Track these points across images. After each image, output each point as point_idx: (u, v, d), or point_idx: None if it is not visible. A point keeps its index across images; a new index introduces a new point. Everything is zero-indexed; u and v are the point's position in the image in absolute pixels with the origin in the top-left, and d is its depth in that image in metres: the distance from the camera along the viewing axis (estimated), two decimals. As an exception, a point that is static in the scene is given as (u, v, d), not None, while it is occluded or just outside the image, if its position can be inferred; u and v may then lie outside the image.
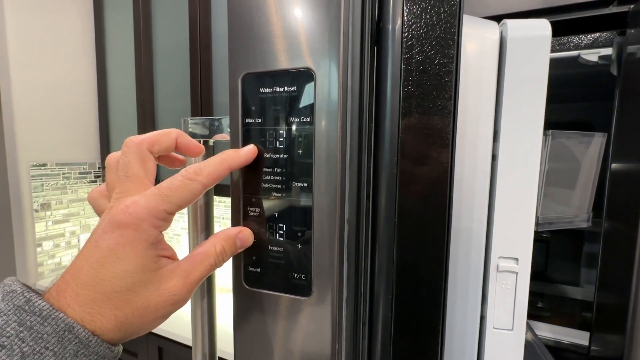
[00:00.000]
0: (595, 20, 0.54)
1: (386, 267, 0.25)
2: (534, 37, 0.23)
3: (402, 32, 0.23)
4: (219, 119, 0.32)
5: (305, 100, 0.24)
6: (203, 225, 0.32)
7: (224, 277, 1.24)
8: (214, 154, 0.27)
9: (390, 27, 0.23)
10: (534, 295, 1.05)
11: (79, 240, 1.40)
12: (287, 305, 0.26)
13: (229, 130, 0.27)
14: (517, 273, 0.25)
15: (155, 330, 0.98)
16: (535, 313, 1.04)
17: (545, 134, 0.45)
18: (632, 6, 0.50)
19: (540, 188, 0.47)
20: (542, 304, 1.07)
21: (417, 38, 0.23)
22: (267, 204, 0.26)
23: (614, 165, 0.54)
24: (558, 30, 0.60)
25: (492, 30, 0.24)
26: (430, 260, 0.24)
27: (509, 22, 0.24)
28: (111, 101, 1.44)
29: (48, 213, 1.30)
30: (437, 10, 0.22)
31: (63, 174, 1.35)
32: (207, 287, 0.35)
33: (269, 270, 0.27)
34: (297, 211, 0.25)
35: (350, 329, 0.26)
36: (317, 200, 0.25)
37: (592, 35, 0.55)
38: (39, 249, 1.28)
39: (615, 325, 0.51)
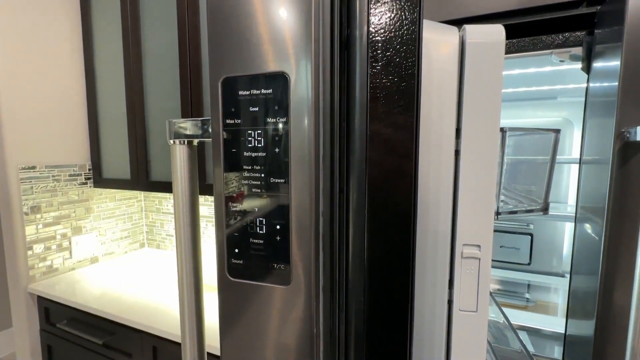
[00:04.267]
0: (566, 21, 0.57)
1: (359, 256, 0.27)
2: (490, 42, 0.25)
3: (368, 39, 0.25)
4: (205, 120, 0.33)
5: (280, 102, 0.26)
6: (188, 222, 0.33)
7: (212, 275, 1.26)
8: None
9: (357, 34, 0.25)
10: (519, 286, 1.08)
11: (70, 243, 1.40)
12: (268, 293, 0.28)
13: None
14: (479, 259, 0.27)
15: (149, 330, 0.99)
16: (521, 304, 1.07)
17: (502, 131, 0.47)
18: (599, 7, 0.53)
19: (500, 180, 0.49)
20: (529, 295, 1.11)
21: (381, 44, 0.25)
22: (247, 199, 0.28)
23: (584, 159, 0.57)
24: (532, 30, 0.62)
25: (452, 35, 0.26)
26: (399, 248, 0.26)
27: (468, 28, 0.26)
28: (100, 102, 1.44)
29: (38, 216, 1.30)
30: (400, 18, 0.24)
31: (53, 176, 1.34)
32: (195, 284, 0.36)
33: (251, 262, 0.28)
34: (275, 205, 0.27)
35: (327, 314, 0.28)
36: (294, 195, 0.26)
37: (564, 35, 0.58)
38: (29, 252, 1.28)
39: (586, 310, 0.53)
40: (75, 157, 1.43)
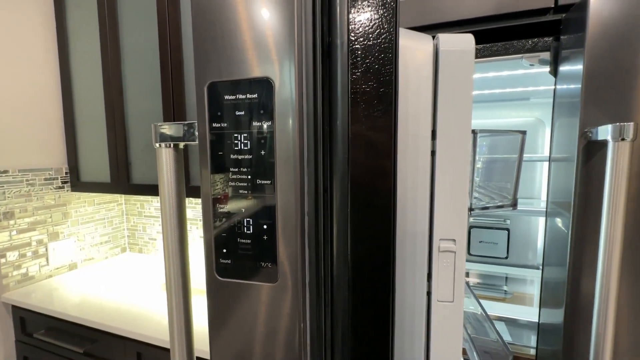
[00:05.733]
0: (535, 28, 0.60)
1: (343, 253, 0.29)
2: (461, 50, 0.27)
3: (348, 47, 0.26)
4: (190, 123, 0.34)
5: (265, 106, 0.27)
6: (175, 225, 0.33)
7: (199, 279, 1.24)
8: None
9: (338, 41, 0.26)
10: (497, 279, 1.13)
11: (46, 249, 1.35)
12: (256, 291, 0.29)
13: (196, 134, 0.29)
14: (455, 252, 0.29)
15: (132, 335, 0.97)
16: (499, 296, 1.12)
17: (473, 132, 0.50)
18: (564, 15, 0.56)
19: (472, 178, 0.53)
20: (507, 287, 1.16)
21: (361, 51, 0.26)
22: (234, 201, 0.28)
23: (553, 157, 0.61)
24: (504, 36, 0.66)
25: (427, 43, 0.28)
26: (381, 244, 0.27)
27: (441, 36, 0.28)
28: (77, 103, 1.39)
29: (12, 222, 1.24)
30: (378, 27, 0.26)
31: (27, 180, 1.29)
32: (183, 287, 0.36)
33: (239, 261, 0.29)
34: (262, 206, 0.28)
35: (314, 310, 0.29)
36: (279, 196, 0.27)
37: (533, 41, 0.61)
38: (2, 260, 1.22)
39: (557, 300, 0.57)
40: (51, 160, 1.38)
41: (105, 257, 1.58)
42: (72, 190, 1.42)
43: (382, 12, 0.25)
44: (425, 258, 0.30)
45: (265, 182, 0.28)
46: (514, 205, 0.55)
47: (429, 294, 0.30)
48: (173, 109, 1.21)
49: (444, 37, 0.27)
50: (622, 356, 0.48)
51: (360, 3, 0.26)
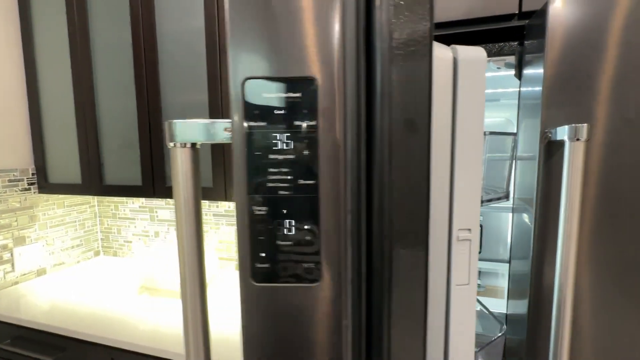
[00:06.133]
0: (501, 32, 0.63)
1: (381, 249, 0.29)
2: (476, 59, 0.30)
3: (390, 52, 0.27)
4: (212, 122, 0.31)
5: (309, 105, 0.26)
6: (193, 232, 0.31)
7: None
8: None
9: (378, 45, 0.27)
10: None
11: (12, 255, 1.28)
12: (297, 293, 0.28)
13: (226, 133, 0.28)
14: (470, 240, 0.32)
15: (105, 341, 0.94)
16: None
17: (485, 134, 0.53)
18: (527, 21, 0.59)
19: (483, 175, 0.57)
20: (480, 281, 1.20)
21: (402, 57, 0.27)
22: (273, 202, 0.27)
23: (519, 155, 0.64)
24: (473, 40, 0.69)
25: (446, 52, 0.30)
26: (417, 242, 0.28)
27: (458, 47, 0.30)
28: (44, 99, 1.32)
29: (-28, 226, 1.17)
30: (416, 32, 0.26)
31: (-11, 182, 1.22)
32: (201, 296, 0.33)
33: (278, 265, 0.28)
34: (304, 207, 0.27)
35: (356, 308, 0.29)
36: (322, 195, 0.27)
37: (499, 45, 0.64)
38: (-38, 267, 1.15)
39: (522, 291, 0.60)
40: (15, 160, 1.31)
41: (77, 262, 1.52)
42: (40, 192, 1.35)
43: (419, 16, 0.26)
44: (445, 247, 0.31)
45: (308, 182, 0.27)
46: (507, 196, 0.60)
47: (448, 280, 0.32)
48: (148, 109, 1.18)
49: (461, 48, 0.29)
50: (585, 343, 0.52)
51: (403, 12, 0.26)
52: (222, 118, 1.11)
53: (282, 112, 0.27)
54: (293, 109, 0.27)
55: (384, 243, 0.29)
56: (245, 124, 0.27)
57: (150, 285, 1.23)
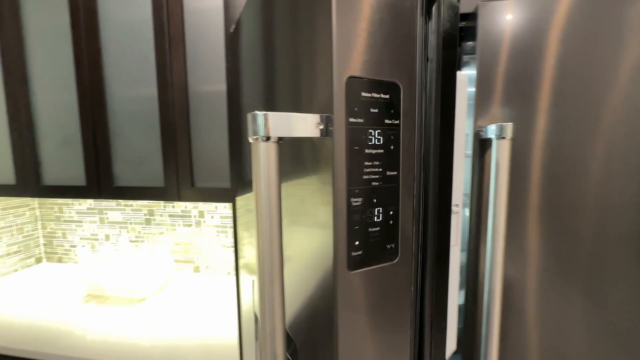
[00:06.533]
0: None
1: (434, 228, 0.38)
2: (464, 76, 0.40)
3: (441, 67, 0.36)
4: (304, 117, 0.30)
5: (395, 106, 0.31)
6: (276, 234, 0.30)
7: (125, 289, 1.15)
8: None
9: (434, 57, 0.36)
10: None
11: None
12: (381, 272, 0.33)
13: (330, 128, 0.30)
14: (458, 212, 0.46)
15: (45, 358, 0.87)
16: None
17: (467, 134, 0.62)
18: (463, 23, 0.62)
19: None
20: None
21: (442, 67, 0.36)
22: (368, 192, 0.31)
23: (466, 153, 0.67)
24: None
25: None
26: (446, 218, 0.40)
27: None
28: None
29: None
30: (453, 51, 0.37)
31: None
32: (280, 301, 0.31)
33: (369, 250, 0.32)
34: (389, 195, 0.32)
35: (420, 276, 0.38)
36: (402, 184, 0.33)
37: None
38: None
39: (461, 282, 0.63)
40: None
41: (14, 270, 1.39)
42: (-34, 195, 1.22)
43: (451, 35, 0.37)
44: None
45: (393, 173, 0.32)
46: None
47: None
48: (91, 102, 1.10)
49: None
50: (532, 327, 0.55)
51: (442, 30, 0.35)
52: (174, 113, 1.05)
53: (376, 110, 0.30)
54: (383, 109, 0.31)
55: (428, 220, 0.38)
56: (345, 120, 0.30)
57: (97, 293, 1.15)
